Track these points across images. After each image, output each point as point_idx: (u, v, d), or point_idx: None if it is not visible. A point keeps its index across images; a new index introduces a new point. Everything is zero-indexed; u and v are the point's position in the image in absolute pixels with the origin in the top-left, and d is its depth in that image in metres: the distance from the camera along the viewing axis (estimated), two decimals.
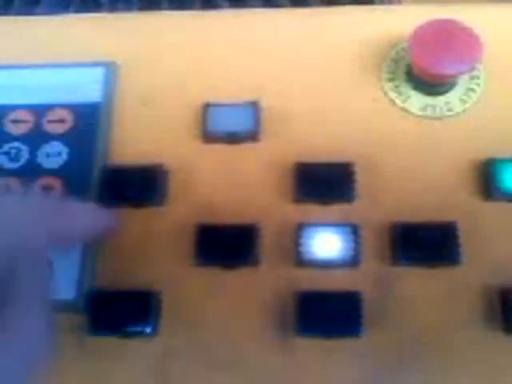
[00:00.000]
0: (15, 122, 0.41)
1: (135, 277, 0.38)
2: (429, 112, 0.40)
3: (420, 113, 0.40)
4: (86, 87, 0.41)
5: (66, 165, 0.39)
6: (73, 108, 0.41)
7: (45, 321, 0.30)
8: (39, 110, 0.41)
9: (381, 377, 0.35)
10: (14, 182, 0.39)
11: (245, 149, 0.40)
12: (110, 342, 0.36)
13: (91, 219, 0.36)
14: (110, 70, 0.42)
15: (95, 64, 0.42)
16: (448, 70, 0.38)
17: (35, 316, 0.29)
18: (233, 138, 0.40)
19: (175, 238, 0.38)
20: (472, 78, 0.41)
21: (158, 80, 0.42)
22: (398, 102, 0.41)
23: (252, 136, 0.40)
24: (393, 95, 0.41)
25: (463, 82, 0.41)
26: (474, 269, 0.37)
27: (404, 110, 0.40)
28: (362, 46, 0.42)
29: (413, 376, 0.35)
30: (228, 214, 0.38)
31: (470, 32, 0.38)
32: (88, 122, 0.40)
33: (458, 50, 0.38)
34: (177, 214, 0.39)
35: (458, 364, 0.35)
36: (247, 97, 0.40)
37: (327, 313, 0.35)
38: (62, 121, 0.40)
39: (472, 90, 0.40)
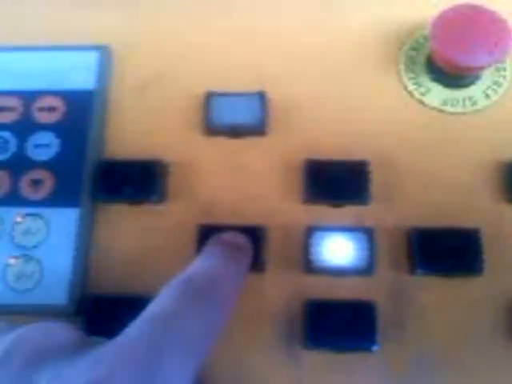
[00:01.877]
0: (1, 109, 0.37)
1: (131, 279, 0.35)
2: (450, 106, 0.37)
3: (440, 107, 0.37)
4: (79, 73, 0.38)
5: (56, 157, 0.36)
6: (64, 95, 0.37)
7: None
8: (28, 97, 0.37)
9: None
10: (1, 175, 0.36)
11: (250, 143, 0.37)
12: None
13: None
14: (105, 55, 0.38)
15: (89, 48, 0.39)
16: (472, 62, 0.35)
17: None
18: (237, 131, 0.37)
19: (175, 238, 0.35)
20: (498, 70, 0.38)
21: (157, 66, 0.39)
22: (416, 94, 0.37)
23: (258, 129, 0.37)
24: (411, 87, 0.38)
25: (488, 74, 0.38)
26: (497, 279, 0.34)
27: (423, 103, 0.37)
28: (378, 33, 0.39)
29: None
30: (231, 214, 0.36)
31: (498, 19, 0.35)
32: (80, 111, 0.37)
33: (485, 39, 0.35)
34: (176, 214, 0.36)
35: (478, 380, 0.33)
36: (253, 87, 0.37)
37: (338, 324, 0.33)
38: (52, 109, 0.37)
39: (498, 83, 0.37)
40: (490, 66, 0.35)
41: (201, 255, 0.31)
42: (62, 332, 0.26)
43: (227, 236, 0.33)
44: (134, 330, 0.25)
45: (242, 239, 0.33)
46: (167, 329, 0.25)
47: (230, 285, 0.29)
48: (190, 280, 0.28)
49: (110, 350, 0.24)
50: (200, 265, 0.30)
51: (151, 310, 0.26)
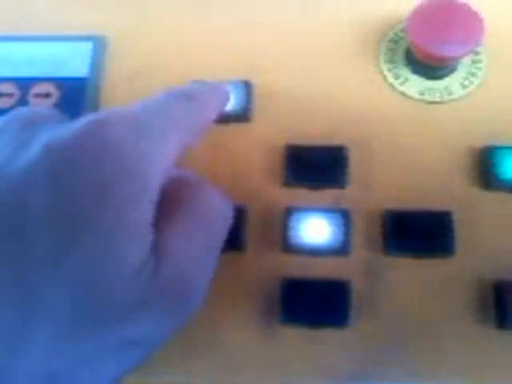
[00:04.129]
0: (0, 95, 0.39)
1: None
2: (427, 96, 0.39)
3: (418, 97, 0.39)
4: (74, 62, 0.40)
5: None
6: (59, 82, 0.39)
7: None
8: (24, 84, 0.39)
9: (368, 368, 0.34)
10: None
11: (235, 129, 0.38)
12: None
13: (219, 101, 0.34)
14: (99, 44, 0.40)
15: (84, 38, 0.41)
16: (448, 52, 0.36)
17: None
18: (223, 118, 0.38)
19: None
20: (474, 61, 0.39)
21: (149, 56, 0.41)
22: (395, 84, 0.39)
23: (243, 116, 0.38)
24: (390, 77, 0.39)
25: (464, 65, 0.39)
26: (468, 260, 0.35)
27: (402, 93, 0.39)
28: (360, 25, 0.41)
29: (401, 368, 0.34)
30: None
31: (472, 12, 0.36)
32: (74, 98, 0.39)
33: (460, 30, 0.36)
34: None
35: (448, 358, 0.34)
36: (239, 75, 0.39)
37: (314, 301, 0.34)
38: (47, 95, 0.39)
39: (473, 74, 0.39)
40: (463, 56, 0.37)
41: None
42: (47, 109, 0.29)
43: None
44: (126, 106, 0.28)
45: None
46: (156, 107, 0.28)
47: (210, 98, 0.32)
48: (172, 88, 0.31)
49: (104, 111, 0.26)
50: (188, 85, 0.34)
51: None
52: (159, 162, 0.26)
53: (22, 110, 0.28)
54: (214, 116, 0.32)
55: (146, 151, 0.25)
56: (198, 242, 0.27)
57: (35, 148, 0.24)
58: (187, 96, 0.30)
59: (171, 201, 0.27)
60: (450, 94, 0.38)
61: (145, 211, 0.25)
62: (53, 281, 0.23)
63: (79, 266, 0.23)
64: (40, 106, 0.29)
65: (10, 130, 0.26)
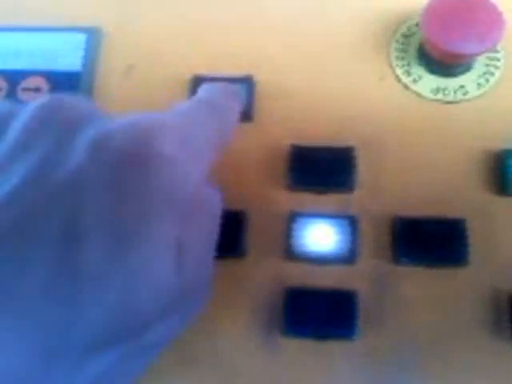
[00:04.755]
0: None
1: None
2: (441, 95, 0.36)
3: (431, 96, 0.36)
4: (66, 54, 0.38)
5: None
6: (50, 76, 0.37)
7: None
8: (13, 77, 0.37)
9: (375, 383, 0.32)
10: None
11: (236, 128, 0.36)
12: None
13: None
14: (93, 37, 0.38)
15: (77, 29, 0.38)
16: (464, 49, 0.34)
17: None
18: None
19: None
20: (491, 59, 0.37)
21: (145, 50, 0.39)
22: (407, 82, 0.37)
23: (245, 114, 0.36)
24: (402, 75, 0.37)
25: (480, 63, 0.37)
26: (483, 271, 0.33)
27: (414, 91, 0.37)
28: (370, 19, 0.39)
29: (410, 383, 0.32)
30: None
31: (491, 7, 0.34)
32: (65, 92, 0.36)
33: (477, 26, 0.34)
34: None
35: (460, 372, 0.32)
36: (241, 71, 0.37)
37: (318, 312, 0.32)
38: (37, 89, 0.37)
39: (490, 73, 0.37)
40: (480, 54, 0.35)
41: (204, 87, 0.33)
42: (85, 102, 0.27)
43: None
44: (174, 110, 0.28)
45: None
46: (204, 115, 0.28)
47: (230, 108, 0.31)
48: (198, 97, 0.31)
49: (153, 115, 0.26)
50: (200, 93, 0.32)
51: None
52: (195, 183, 0.26)
53: (60, 109, 0.26)
54: (234, 128, 0.31)
55: (190, 172, 0.25)
56: (201, 237, 0.27)
57: (83, 148, 0.23)
58: (213, 107, 0.30)
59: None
60: (465, 93, 0.36)
61: (176, 227, 0.24)
62: (99, 294, 0.22)
63: (122, 280, 0.22)
64: (79, 98, 0.27)
65: (49, 130, 0.24)
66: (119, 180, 0.23)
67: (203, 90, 0.32)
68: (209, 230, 0.28)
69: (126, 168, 0.23)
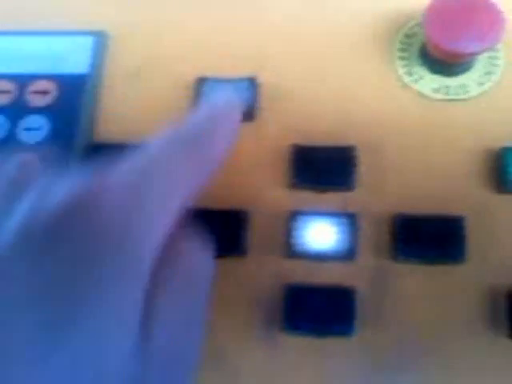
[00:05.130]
0: None
1: None
2: (442, 94, 0.37)
3: (432, 94, 0.37)
4: (73, 57, 0.38)
5: (46, 139, 0.37)
6: (57, 79, 0.38)
7: None
8: (22, 80, 0.38)
9: (374, 379, 0.33)
10: None
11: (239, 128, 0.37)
12: None
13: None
14: (100, 40, 0.39)
15: (84, 33, 0.39)
16: (465, 48, 0.34)
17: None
18: None
19: None
20: (491, 58, 0.37)
21: (150, 52, 0.39)
22: (408, 81, 0.37)
23: (248, 114, 0.37)
24: (404, 74, 0.37)
25: (482, 62, 0.37)
26: (481, 268, 0.33)
27: (415, 91, 0.37)
28: (372, 19, 0.39)
29: (408, 380, 0.32)
30: (215, 197, 0.35)
31: (491, 7, 0.34)
32: (73, 95, 0.37)
33: (478, 26, 0.34)
34: None
35: (458, 369, 0.32)
36: (245, 73, 0.37)
37: (318, 309, 0.33)
38: (45, 92, 0.38)
39: (491, 72, 0.37)
40: (481, 53, 0.35)
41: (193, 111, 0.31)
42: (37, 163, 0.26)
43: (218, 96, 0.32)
44: (122, 165, 0.25)
45: (233, 97, 0.32)
46: (155, 167, 0.25)
47: (220, 133, 0.29)
48: (178, 127, 0.28)
49: (97, 173, 0.24)
50: (189, 117, 0.29)
51: (139, 152, 0.26)
52: (156, 234, 0.24)
53: (8, 169, 0.25)
54: (226, 147, 0.29)
55: (142, 227, 0.23)
56: (185, 301, 0.25)
57: (15, 225, 0.22)
58: (191, 140, 0.27)
59: (159, 263, 0.24)
60: (466, 92, 0.36)
61: (132, 297, 0.22)
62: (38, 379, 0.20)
63: (62, 367, 0.20)
64: (29, 159, 0.26)
65: None
66: (49, 253, 0.21)
67: (191, 116, 0.29)
68: (193, 294, 0.26)
69: (57, 236, 0.21)
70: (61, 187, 0.23)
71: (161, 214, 0.24)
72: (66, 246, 0.21)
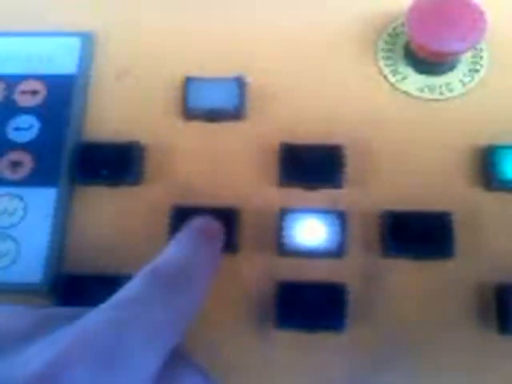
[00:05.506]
0: None
1: (107, 260, 0.35)
2: (427, 93, 0.37)
3: (417, 93, 0.37)
4: (61, 58, 0.39)
5: (36, 139, 0.37)
6: (46, 79, 0.38)
7: None
8: (11, 81, 0.38)
9: (365, 374, 0.33)
10: None
11: (227, 127, 0.37)
12: None
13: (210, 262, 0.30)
14: (87, 41, 0.39)
15: (72, 34, 0.39)
16: (448, 48, 0.35)
17: None
18: (215, 116, 0.37)
19: (151, 219, 0.36)
20: (475, 57, 0.38)
21: (137, 52, 0.40)
22: (394, 81, 0.38)
23: (235, 114, 0.37)
24: (389, 74, 0.38)
25: (465, 61, 0.38)
26: (469, 263, 0.34)
27: (400, 90, 0.38)
28: (357, 20, 0.40)
29: (399, 375, 0.33)
30: (207, 195, 0.36)
31: (473, 7, 0.35)
32: (61, 95, 0.38)
33: (460, 26, 0.35)
34: (152, 196, 0.36)
35: (447, 363, 0.33)
36: (232, 72, 0.38)
37: (309, 305, 0.33)
38: (34, 92, 0.38)
39: (475, 70, 0.38)
40: (463, 52, 0.36)
41: (171, 243, 0.30)
42: (9, 320, 0.25)
43: (198, 222, 0.32)
44: (96, 314, 0.24)
45: (213, 224, 0.32)
46: (132, 315, 0.24)
47: (200, 273, 0.28)
48: (157, 269, 0.27)
49: (66, 333, 0.23)
50: (169, 253, 0.29)
51: (117, 297, 0.25)
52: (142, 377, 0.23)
53: None
54: (207, 286, 0.28)
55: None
56: None
57: None
58: (167, 283, 0.26)
59: None
60: (450, 91, 0.37)
61: None
62: None
63: None
64: (1, 310, 0.26)
65: None
66: None
67: (168, 252, 0.29)
68: None
69: None
70: (31, 357, 0.22)
71: (142, 371, 0.23)
72: None
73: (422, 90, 0.37)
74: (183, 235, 0.31)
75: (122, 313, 0.24)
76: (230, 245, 0.34)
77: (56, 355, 0.21)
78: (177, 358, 0.26)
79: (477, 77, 0.37)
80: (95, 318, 0.24)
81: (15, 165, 0.36)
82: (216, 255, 0.31)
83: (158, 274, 0.27)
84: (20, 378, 0.21)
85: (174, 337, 0.25)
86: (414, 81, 0.38)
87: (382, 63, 0.38)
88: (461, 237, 0.34)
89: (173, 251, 0.29)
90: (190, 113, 0.37)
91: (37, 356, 0.22)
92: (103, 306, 0.25)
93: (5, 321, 0.25)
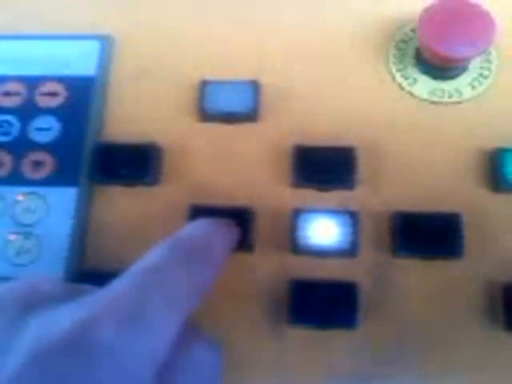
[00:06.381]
0: (7, 94, 0.39)
1: (125, 257, 0.36)
2: (436, 97, 0.38)
3: (427, 97, 0.38)
4: (81, 60, 0.40)
5: (57, 140, 0.38)
6: (66, 81, 0.39)
7: None
8: (32, 83, 0.39)
9: (376, 371, 0.34)
10: (4, 156, 0.38)
11: (242, 129, 0.38)
12: None
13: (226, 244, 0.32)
14: (106, 44, 0.40)
15: (91, 37, 0.40)
16: (458, 53, 0.36)
17: None
18: (230, 118, 0.38)
19: (168, 218, 0.37)
20: (484, 62, 0.39)
21: (155, 55, 0.41)
22: (404, 85, 0.39)
23: (250, 116, 0.38)
24: (399, 78, 0.39)
25: (474, 66, 0.39)
26: (477, 263, 0.35)
27: (411, 93, 0.39)
28: (369, 25, 0.40)
29: (409, 371, 0.34)
30: (222, 196, 0.37)
31: (483, 13, 0.36)
32: (81, 97, 0.39)
33: (470, 31, 0.36)
34: (170, 195, 0.37)
35: (456, 361, 0.34)
36: (247, 75, 0.39)
37: (322, 303, 0.34)
38: (54, 94, 0.39)
39: (483, 75, 0.39)
40: (473, 57, 0.37)
41: (190, 223, 0.32)
42: (48, 284, 0.27)
43: (213, 218, 0.34)
44: (121, 280, 0.26)
45: (227, 220, 0.34)
46: (154, 281, 0.26)
47: (217, 250, 0.30)
48: (179, 240, 0.29)
49: (94, 297, 0.25)
50: (190, 228, 0.31)
51: (139, 264, 0.27)
52: (157, 355, 0.24)
53: (21, 287, 0.27)
54: (220, 268, 0.30)
55: (141, 350, 0.24)
56: None
57: (22, 352, 0.23)
58: (188, 253, 0.28)
59: (166, 369, 0.25)
60: (460, 95, 0.38)
61: None
62: None
63: None
64: (41, 277, 0.28)
65: (4, 314, 0.25)
66: (60, 377, 0.22)
67: (189, 228, 0.31)
68: None
69: (61, 367, 0.22)
70: (64, 316, 0.24)
71: (163, 332, 0.25)
72: (72, 377, 0.22)
73: (432, 94, 0.38)
74: (202, 219, 0.33)
75: (148, 279, 0.26)
76: (245, 244, 0.35)
77: (84, 316, 0.23)
78: (190, 330, 0.27)
79: (486, 81, 0.38)
80: (122, 283, 0.26)
81: (37, 165, 0.37)
82: (232, 239, 0.33)
83: (179, 244, 0.29)
84: (52, 335, 0.23)
85: (192, 304, 0.27)
86: (424, 85, 0.39)
87: (393, 67, 0.39)
88: (469, 237, 0.35)
89: (193, 227, 0.31)
90: (206, 115, 0.38)
91: (68, 316, 0.24)
92: (129, 272, 0.27)
93: (44, 285, 0.27)
